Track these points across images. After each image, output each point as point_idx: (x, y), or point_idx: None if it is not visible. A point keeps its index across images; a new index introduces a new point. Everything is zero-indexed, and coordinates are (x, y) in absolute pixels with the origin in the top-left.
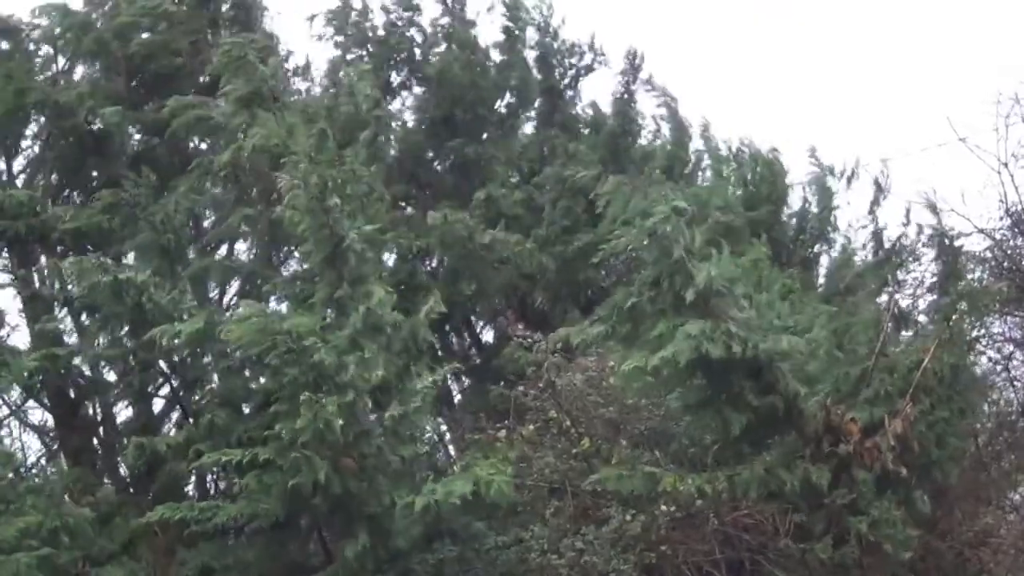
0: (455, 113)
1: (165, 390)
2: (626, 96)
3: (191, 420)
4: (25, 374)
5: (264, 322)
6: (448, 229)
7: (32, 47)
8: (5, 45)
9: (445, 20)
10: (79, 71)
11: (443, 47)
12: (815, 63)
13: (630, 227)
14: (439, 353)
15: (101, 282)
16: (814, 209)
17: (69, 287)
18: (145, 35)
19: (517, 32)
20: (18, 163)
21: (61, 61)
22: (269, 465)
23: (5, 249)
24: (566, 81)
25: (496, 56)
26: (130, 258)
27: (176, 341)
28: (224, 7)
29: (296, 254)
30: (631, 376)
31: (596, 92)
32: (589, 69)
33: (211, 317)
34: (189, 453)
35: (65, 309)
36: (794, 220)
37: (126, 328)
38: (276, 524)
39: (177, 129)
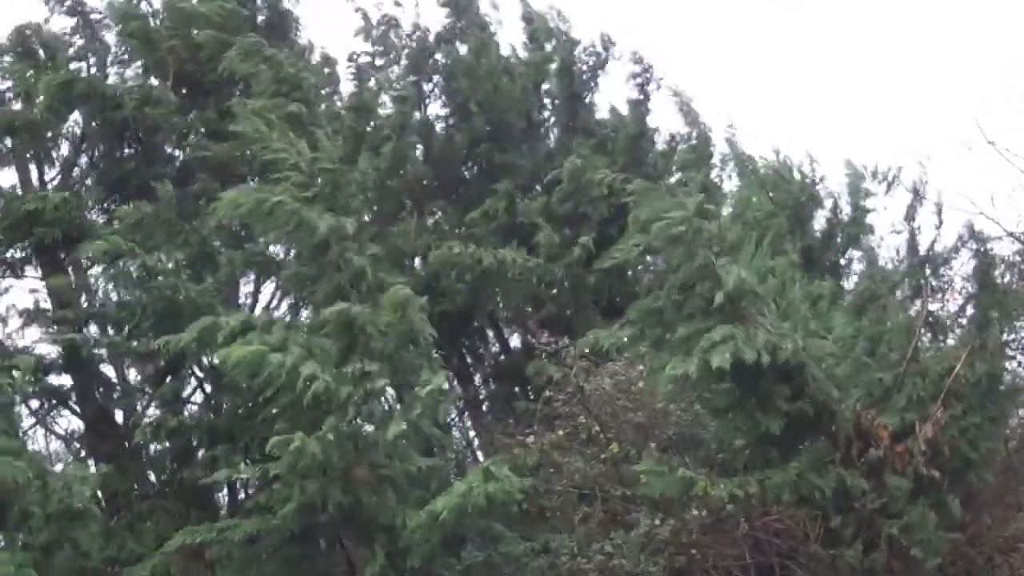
0: (480, 121)
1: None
2: (642, 98)
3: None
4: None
5: (259, 352)
6: (457, 259)
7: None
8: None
9: (462, 26)
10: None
11: (465, 54)
12: (826, 61)
13: (653, 229)
14: (467, 360)
15: (131, 271)
16: (846, 214)
17: (97, 284)
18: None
19: (537, 45)
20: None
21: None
22: (280, 481)
23: (34, 255)
24: (585, 87)
25: (519, 67)
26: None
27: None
28: (260, 16)
29: None
30: (665, 381)
31: (613, 91)
32: (602, 65)
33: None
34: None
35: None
36: (825, 225)
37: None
38: (293, 538)
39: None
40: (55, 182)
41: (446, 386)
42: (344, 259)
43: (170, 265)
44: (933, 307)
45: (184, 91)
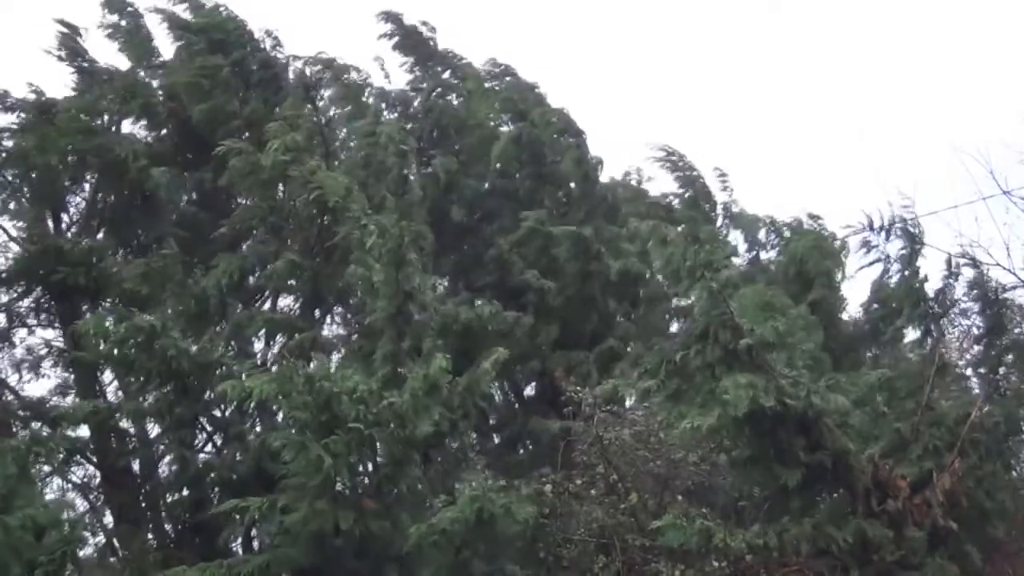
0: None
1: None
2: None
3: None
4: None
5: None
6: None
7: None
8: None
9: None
10: (127, 126)
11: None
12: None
13: (683, 277)
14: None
15: (132, 336)
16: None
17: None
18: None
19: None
20: (69, 214)
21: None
22: (287, 512)
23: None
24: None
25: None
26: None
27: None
28: (254, 68)
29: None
30: (685, 431)
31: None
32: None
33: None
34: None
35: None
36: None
37: (157, 381)
38: (302, 571)
39: (232, 171)
40: (72, 230)
41: None
42: None
43: (173, 329)
44: (950, 356)
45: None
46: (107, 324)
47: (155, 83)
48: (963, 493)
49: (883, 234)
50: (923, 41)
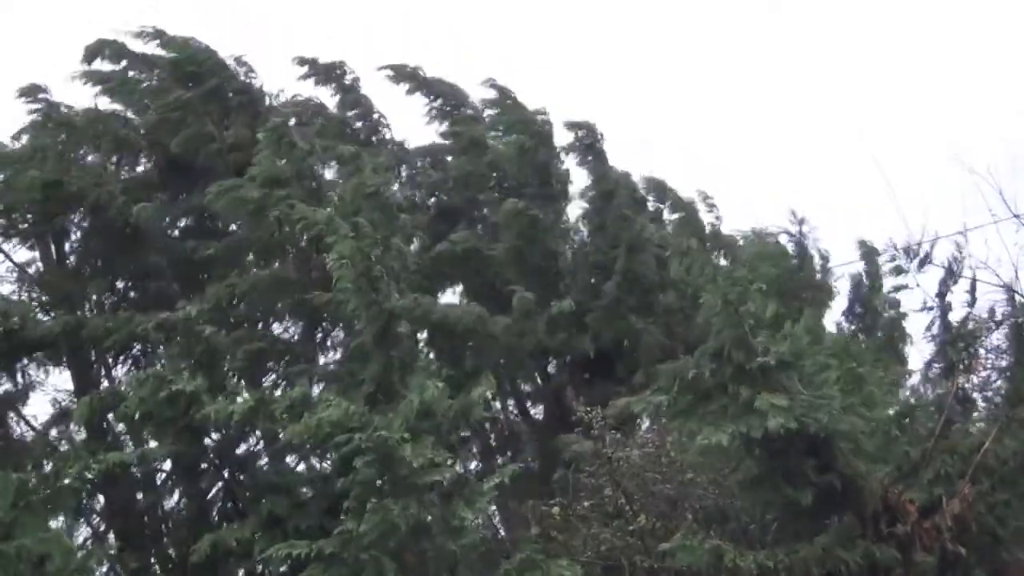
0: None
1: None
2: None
3: (239, 504)
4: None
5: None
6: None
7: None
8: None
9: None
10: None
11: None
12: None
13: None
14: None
15: (156, 393)
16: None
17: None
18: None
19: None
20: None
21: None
22: (333, 559)
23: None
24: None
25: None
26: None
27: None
28: (231, 95)
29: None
30: (698, 450)
31: None
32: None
33: (262, 396)
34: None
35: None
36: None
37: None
38: None
39: (221, 209)
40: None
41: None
42: None
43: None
44: (962, 381)
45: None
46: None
47: (133, 118)
48: (973, 519)
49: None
50: (922, 40)
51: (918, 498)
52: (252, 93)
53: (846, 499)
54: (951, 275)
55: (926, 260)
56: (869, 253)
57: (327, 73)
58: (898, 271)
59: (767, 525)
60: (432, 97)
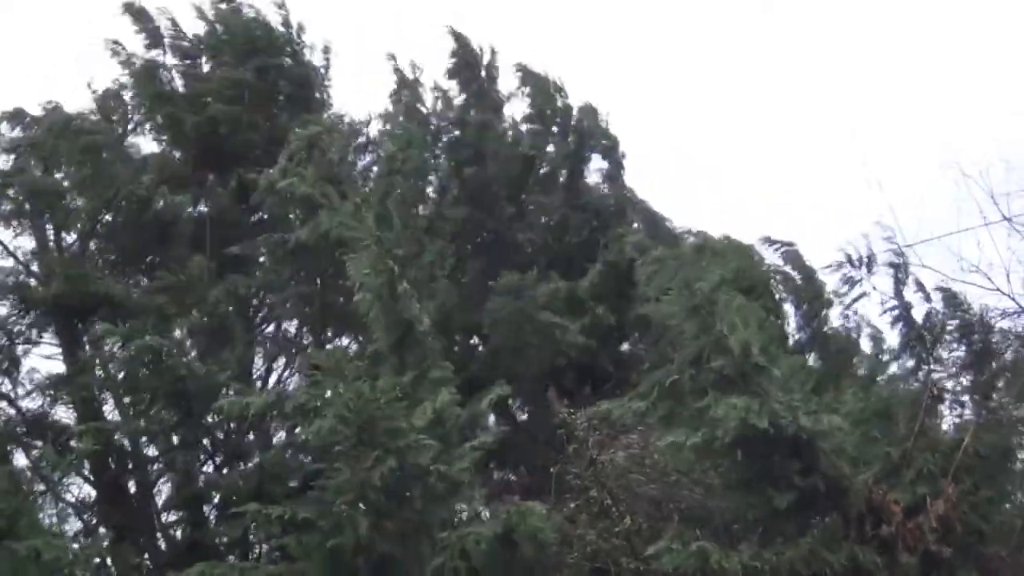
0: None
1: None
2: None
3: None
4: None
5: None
6: (508, 310)
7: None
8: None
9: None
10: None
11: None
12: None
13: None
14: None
15: (140, 353)
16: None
17: (110, 361)
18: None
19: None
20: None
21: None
22: (308, 525)
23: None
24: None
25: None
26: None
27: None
28: (281, 82)
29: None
30: (672, 452)
31: None
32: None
33: (278, 394)
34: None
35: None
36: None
37: (163, 402)
38: None
39: (262, 202)
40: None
41: None
42: None
43: (178, 346)
44: (944, 382)
45: (203, 161)
46: (115, 339)
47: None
48: (957, 519)
49: (864, 268)
50: (914, 41)
51: (902, 498)
52: (307, 82)
53: (830, 500)
54: (899, 272)
55: (871, 262)
56: (809, 277)
57: None
58: (850, 282)
59: (751, 526)
60: None
